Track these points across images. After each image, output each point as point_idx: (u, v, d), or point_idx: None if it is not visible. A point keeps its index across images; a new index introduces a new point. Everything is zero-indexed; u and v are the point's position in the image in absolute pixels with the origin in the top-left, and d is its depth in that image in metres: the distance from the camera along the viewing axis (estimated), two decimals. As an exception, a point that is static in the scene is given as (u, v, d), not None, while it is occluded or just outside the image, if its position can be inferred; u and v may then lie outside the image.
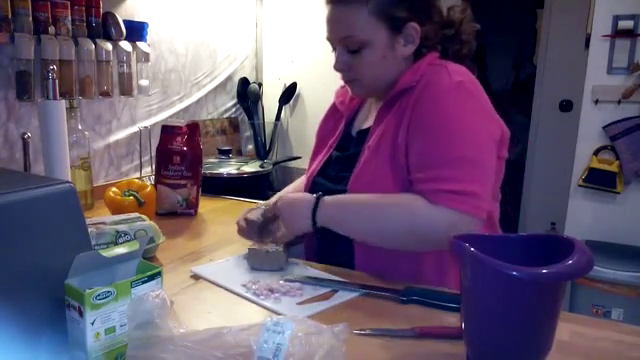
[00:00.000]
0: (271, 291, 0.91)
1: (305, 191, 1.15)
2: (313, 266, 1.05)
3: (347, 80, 1.07)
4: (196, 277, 0.99)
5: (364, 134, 1.07)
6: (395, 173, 0.98)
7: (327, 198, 0.98)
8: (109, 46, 1.56)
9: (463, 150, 0.92)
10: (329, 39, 1.05)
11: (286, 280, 0.95)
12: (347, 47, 1.01)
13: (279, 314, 0.83)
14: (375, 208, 0.95)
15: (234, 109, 2.31)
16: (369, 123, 1.09)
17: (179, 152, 1.43)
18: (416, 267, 1.00)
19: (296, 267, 1.04)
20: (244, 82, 2.30)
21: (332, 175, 1.11)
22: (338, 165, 1.12)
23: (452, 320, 0.80)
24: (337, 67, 1.04)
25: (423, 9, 1.01)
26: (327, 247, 1.13)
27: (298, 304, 0.87)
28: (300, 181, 1.32)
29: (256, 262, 1.02)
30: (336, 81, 1.23)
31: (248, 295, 0.90)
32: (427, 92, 0.96)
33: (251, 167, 1.85)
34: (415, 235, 0.93)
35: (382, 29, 0.98)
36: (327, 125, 1.22)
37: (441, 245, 0.90)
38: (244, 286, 0.93)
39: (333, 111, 1.23)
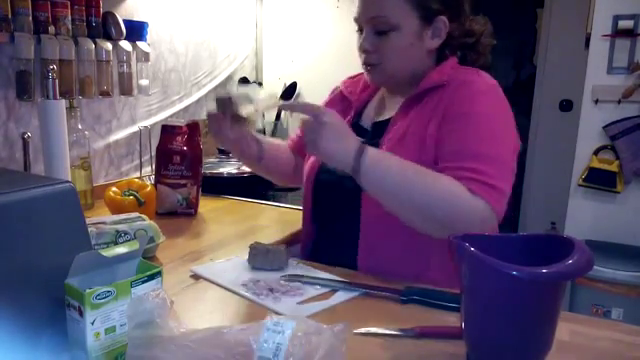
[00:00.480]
0: (271, 290, 0.91)
1: (308, 180, 1.13)
2: (313, 266, 1.05)
3: (369, 64, 1.04)
4: (196, 277, 0.99)
5: (381, 126, 1.06)
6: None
7: (373, 149, 0.90)
8: (109, 46, 1.56)
9: (498, 149, 0.93)
10: (357, 19, 1.03)
11: (286, 280, 0.95)
12: (375, 28, 1.00)
13: (279, 313, 0.83)
14: (419, 174, 0.90)
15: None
16: (386, 116, 1.08)
17: (179, 152, 1.43)
18: (421, 267, 1.00)
19: (296, 267, 1.04)
20: (244, 82, 2.30)
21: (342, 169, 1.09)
22: None
23: (452, 320, 0.80)
24: (363, 47, 1.02)
25: (455, 6, 1.02)
26: (324, 247, 1.13)
27: (298, 304, 0.87)
28: (281, 143, 1.26)
29: (257, 261, 1.02)
30: (336, 80, 1.23)
31: (248, 294, 0.90)
32: (464, 88, 0.97)
33: (251, 167, 1.85)
34: (447, 216, 0.88)
35: (414, 17, 0.99)
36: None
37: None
38: (244, 285, 0.93)
39: (339, 99, 1.20)
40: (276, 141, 1.26)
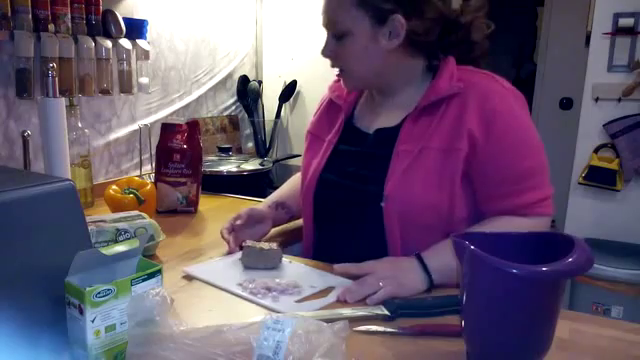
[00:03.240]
0: (268, 289, 0.91)
1: (309, 190, 1.11)
2: (307, 263, 1.05)
3: (339, 71, 1.07)
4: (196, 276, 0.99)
5: (386, 134, 1.03)
6: (442, 181, 0.96)
7: (425, 253, 0.93)
8: (109, 44, 1.56)
9: (539, 156, 0.97)
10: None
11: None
12: (332, 33, 1.01)
13: (279, 313, 0.83)
14: None
15: (234, 107, 2.31)
16: (388, 122, 1.05)
17: (179, 150, 1.43)
18: None
19: (289, 265, 1.04)
20: (244, 80, 2.30)
21: (343, 170, 1.07)
22: (350, 161, 1.07)
23: (451, 319, 0.80)
24: (324, 53, 1.04)
25: (410, 2, 0.96)
26: (325, 246, 1.13)
27: (296, 302, 0.87)
28: (294, 181, 1.28)
29: (250, 260, 1.02)
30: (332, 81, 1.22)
31: (245, 294, 0.90)
32: (491, 101, 0.95)
33: (251, 165, 1.85)
34: None
35: (365, 19, 0.96)
36: (322, 121, 1.18)
37: None
38: (240, 285, 0.93)
39: (328, 106, 1.18)
40: (293, 187, 1.27)
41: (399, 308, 0.82)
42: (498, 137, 0.94)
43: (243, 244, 1.04)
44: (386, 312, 0.81)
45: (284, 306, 0.85)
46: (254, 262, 1.01)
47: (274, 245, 1.03)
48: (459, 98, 0.96)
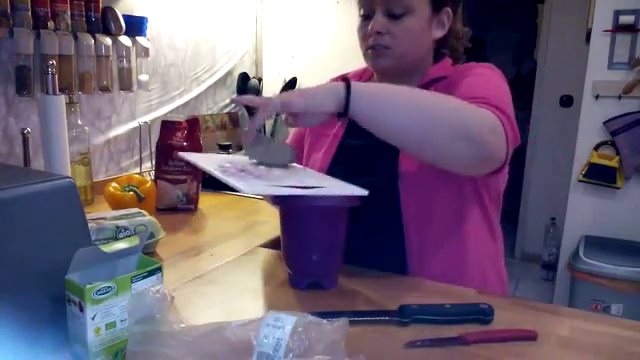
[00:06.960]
0: (242, 171, 0.79)
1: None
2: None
3: (377, 46, 1.00)
4: (197, 273, 0.99)
5: None
6: None
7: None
8: (108, 41, 1.56)
9: (502, 98, 0.92)
10: (366, 1, 1.01)
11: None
12: (389, 10, 0.98)
13: (235, 190, 0.76)
14: (419, 93, 0.88)
15: (234, 104, 2.31)
16: None
17: (179, 147, 1.43)
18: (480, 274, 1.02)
19: (302, 170, 0.90)
20: (244, 77, 2.29)
21: (351, 165, 1.05)
22: (357, 154, 1.07)
23: (470, 327, 0.79)
24: (374, 29, 0.99)
25: (458, 1, 1.05)
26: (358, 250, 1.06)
27: (264, 185, 0.76)
28: None
29: (256, 153, 0.87)
30: (336, 76, 1.22)
31: (215, 172, 0.79)
32: (471, 64, 1.03)
33: (251, 162, 1.85)
34: (458, 125, 0.83)
35: (426, 2, 1.00)
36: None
37: (474, 144, 0.83)
38: (220, 166, 0.82)
39: None
40: None
41: (414, 314, 0.78)
42: (467, 74, 0.99)
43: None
44: (399, 317, 0.78)
45: (244, 184, 0.74)
46: (259, 156, 0.86)
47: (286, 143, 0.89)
48: (444, 82, 1.02)
